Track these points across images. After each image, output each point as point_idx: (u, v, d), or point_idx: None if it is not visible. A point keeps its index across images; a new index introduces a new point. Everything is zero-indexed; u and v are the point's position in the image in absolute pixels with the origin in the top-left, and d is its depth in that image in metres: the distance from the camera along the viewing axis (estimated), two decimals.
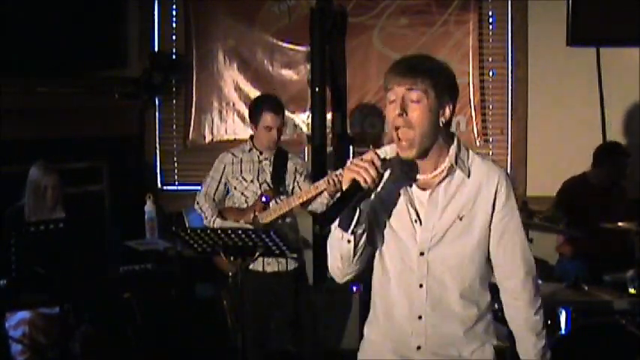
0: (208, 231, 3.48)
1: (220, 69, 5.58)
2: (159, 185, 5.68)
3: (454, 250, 2.12)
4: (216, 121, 5.60)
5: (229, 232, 3.42)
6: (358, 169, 1.98)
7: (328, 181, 3.55)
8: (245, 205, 3.95)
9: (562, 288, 3.74)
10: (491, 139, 5.38)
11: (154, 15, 5.61)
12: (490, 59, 5.36)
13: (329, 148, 5.18)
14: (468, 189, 2.12)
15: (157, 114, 5.66)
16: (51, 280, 3.52)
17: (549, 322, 3.33)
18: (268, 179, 3.96)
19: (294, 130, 5.49)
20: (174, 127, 5.70)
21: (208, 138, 5.61)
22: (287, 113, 5.32)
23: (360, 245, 2.07)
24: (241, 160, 4.00)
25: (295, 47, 5.44)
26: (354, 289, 4.54)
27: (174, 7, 5.64)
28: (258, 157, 3.98)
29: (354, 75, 5.38)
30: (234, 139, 5.48)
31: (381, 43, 5.37)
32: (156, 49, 5.60)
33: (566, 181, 4.83)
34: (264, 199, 3.83)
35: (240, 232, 3.40)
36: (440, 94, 2.03)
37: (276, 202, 3.88)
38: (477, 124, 5.28)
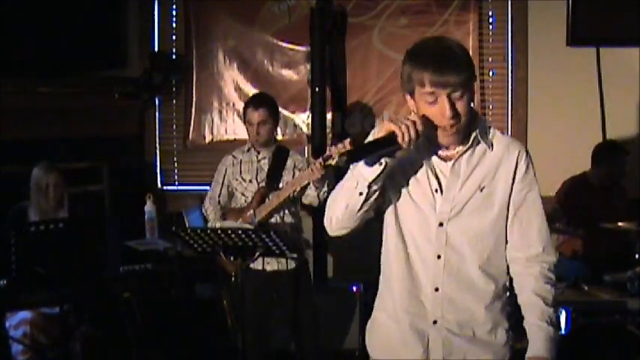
0: (208, 231, 3.49)
1: (220, 69, 5.57)
2: (159, 185, 5.68)
3: (474, 222, 2.12)
4: (216, 121, 5.60)
5: (229, 232, 3.42)
6: (400, 124, 1.97)
7: (311, 169, 3.61)
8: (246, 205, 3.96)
9: (562, 288, 3.75)
10: None
11: (154, 15, 5.61)
12: (490, 59, 5.36)
13: (329, 148, 5.17)
14: (489, 161, 2.14)
15: (157, 114, 5.66)
16: (51, 280, 3.52)
17: None
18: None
19: (294, 130, 5.49)
20: (174, 127, 5.69)
21: (208, 138, 5.61)
22: (287, 113, 5.38)
23: (369, 202, 2.06)
24: (241, 161, 4.00)
25: (295, 47, 5.43)
26: (354, 289, 4.54)
27: (174, 7, 5.64)
28: (257, 156, 3.99)
29: (354, 75, 5.38)
30: (234, 139, 5.48)
31: (381, 43, 5.36)
32: (156, 49, 5.59)
33: (566, 181, 4.83)
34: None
35: (240, 231, 3.40)
36: (472, 82, 2.06)
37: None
38: None
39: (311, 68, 5.16)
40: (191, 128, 5.61)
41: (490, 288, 2.16)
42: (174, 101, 5.69)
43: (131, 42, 5.56)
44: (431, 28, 5.26)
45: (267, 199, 3.87)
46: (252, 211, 3.86)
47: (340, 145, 3.47)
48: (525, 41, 5.27)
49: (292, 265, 3.90)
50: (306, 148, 5.37)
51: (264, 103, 3.93)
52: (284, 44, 5.47)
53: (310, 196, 3.84)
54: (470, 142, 2.12)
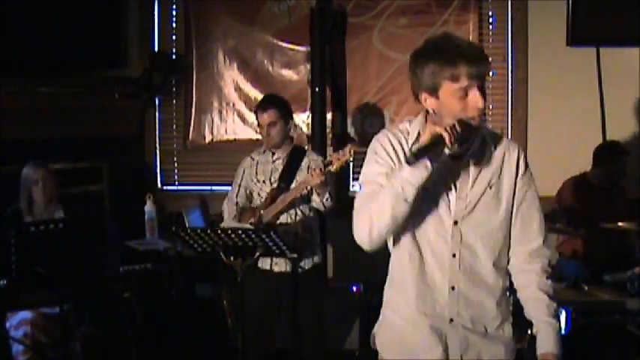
0: (208, 231, 3.49)
1: (220, 69, 5.57)
2: (159, 185, 5.68)
3: (485, 219, 2.18)
4: (216, 121, 5.60)
5: (229, 232, 3.42)
6: (443, 127, 2.03)
7: (311, 174, 3.64)
8: None
9: (562, 288, 3.75)
10: None
11: (154, 15, 5.61)
12: (490, 59, 5.33)
13: (329, 148, 5.18)
14: (494, 159, 2.20)
15: (157, 114, 5.66)
16: (51, 280, 3.52)
17: None
18: None
19: (294, 130, 5.48)
20: (174, 127, 5.69)
21: (208, 138, 5.61)
22: None
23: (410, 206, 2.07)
24: (257, 162, 4.02)
25: (295, 47, 5.43)
26: (354, 289, 4.53)
27: (174, 7, 5.64)
28: (272, 157, 3.99)
29: (354, 75, 5.38)
30: (234, 139, 5.49)
31: (381, 43, 5.36)
32: (156, 49, 5.59)
33: (566, 181, 4.83)
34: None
35: (240, 232, 3.41)
36: None
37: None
38: None
39: (311, 68, 5.16)
40: (191, 128, 5.61)
41: (499, 283, 2.23)
42: (174, 101, 5.69)
43: (131, 42, 5.57)
44: (431, 28, 5.26)
45: (277, 200, 3.87)
46: (261, 212, 3.87)
47: (341, 153, 3.50)
48: (525, 41, 5.27)
49: (309, 264, 3.88)
50: (306, 148, 5.36)
51: (272, 105, 3.93)
52: (284, 44, 5.47)
53: (315, 202, 3.84)
54: (480, 141, 2.18)
